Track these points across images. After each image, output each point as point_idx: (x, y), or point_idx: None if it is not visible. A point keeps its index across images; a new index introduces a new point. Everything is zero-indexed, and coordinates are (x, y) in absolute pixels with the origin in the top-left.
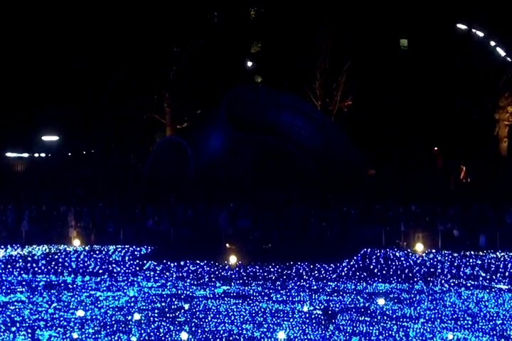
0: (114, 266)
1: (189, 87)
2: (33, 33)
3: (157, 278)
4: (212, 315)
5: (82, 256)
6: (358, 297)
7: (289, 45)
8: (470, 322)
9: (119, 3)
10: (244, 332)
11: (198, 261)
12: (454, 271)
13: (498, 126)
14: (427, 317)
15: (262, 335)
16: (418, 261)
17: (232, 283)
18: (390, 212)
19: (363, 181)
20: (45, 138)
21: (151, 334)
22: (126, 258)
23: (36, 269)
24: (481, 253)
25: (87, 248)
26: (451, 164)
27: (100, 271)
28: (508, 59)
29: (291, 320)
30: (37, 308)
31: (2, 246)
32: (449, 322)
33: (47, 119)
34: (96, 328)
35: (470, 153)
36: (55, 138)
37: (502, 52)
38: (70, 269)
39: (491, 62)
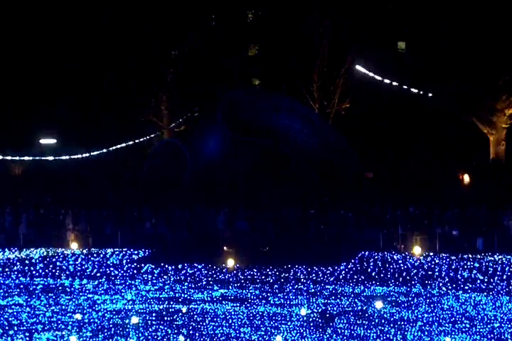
0: (111, 269)
1: (187, 90)
2: (31, 35)
3: (155, 281)
4: (209, 318)
5: (79, 259)
6: (356, 300)
7: (286, 48)
8: (468, 326)
9: (117, 5)
10: (242, 335)
11: (195, 264)
12: (451, 274)
13: (495, 128)
14: (424, 321)
15: (260, 339)
16: (416, 264)
17: (230, 286)
18: (387, 215)
19: (361, 183)
20: (43, 141)
21: (149, 337)
22: (124, 261)
23: (34, 272)
24: (478, 256)
25: (84, 251)
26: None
27: (98, 274)
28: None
29: (288, 324)
30: (34, 311)
31: (0, 249)
32: (446, 325)
33: (44, 122)
34: (94, 331)
35: (467, 155)
36: (52, 140)
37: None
38: (67, 272)
39: (489, 64)
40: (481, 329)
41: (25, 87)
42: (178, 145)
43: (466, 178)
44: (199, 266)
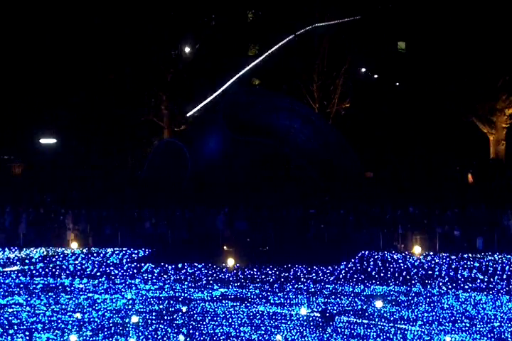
0: (111, 268)
1: (186, 90)
2: (32, 35)
3: (155, 280)
4: (209, 318)
5: (79, 259)
6: (356, 299)
7: (286, 48)
8: (468, 325)
9: (117, 5)
10: (242, 334)
11: (195, 264)
12: (451, 274)
13: (495, 128)
14: (424, 320)
15: (260, 338)
16: (416, 264)
17: (230, 286)
18: (387, 215)
19: (361, 183)
20: (43, 140)
21: (149, 336)
22: (124, 260)
23: (34, 272)
24: (478, 256)
25: (84, 250)
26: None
27: (98, 274)
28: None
29: (288, 323)
30: (35, 311)
31: (0, 249)
32: (446, 324)
33: (44, 122)
34: (94, 331)
35: (467, 155)
36: (52, 140)
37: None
38: (67, 272)
39: (489, 64)
40: (481, 329)
41: (26, 86)
42: (178, 145)
43: (470, 177)
44: (199, 266)
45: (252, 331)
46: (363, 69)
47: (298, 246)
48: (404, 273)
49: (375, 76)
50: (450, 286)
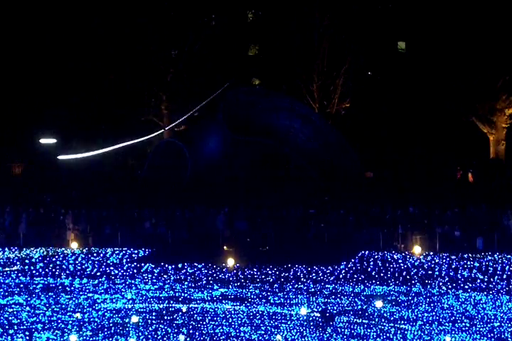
0: (111, 268)
1: (186, 90)
2: (32, 35)
3: (155, 280)
4: (209, 318)
5: (79, 259)
6: (356, 299)
7: (286, 48)
8: (468, 325)
9: (117, 5)
10: (242, 334)
11: (195, 264)
12: (451, 274)
13: (495, 128)
14: (424, 320)
15: (260, 338)
16: (416, 264)
17: (230, 286)
18: (387, 215)
19: (361, 183)
20: (43, 140)
21: (149, 336)
22: (124, 260)
23: (34, 272)
24: (478, 256)
25: (84, 250)
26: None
27: (98, 274)
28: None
29: (288, 323)
30: (35, 311)
31: (0, 249)
32: (446, 324)
33: (44, 122)
34: (94, 331)
35: (467, 155)
36: (52, 140)
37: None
38: (67, 272)
39: (489, 64)
40: (481, 329)
41: (26, 86)
42: (178, 145)
43: (470, 177)
44: (199, 266)
45: (252, 331)
46: (363, 70)
47: (298, 246)
48: (404, 273)
49: (375, 76)
50: (450, 286)
